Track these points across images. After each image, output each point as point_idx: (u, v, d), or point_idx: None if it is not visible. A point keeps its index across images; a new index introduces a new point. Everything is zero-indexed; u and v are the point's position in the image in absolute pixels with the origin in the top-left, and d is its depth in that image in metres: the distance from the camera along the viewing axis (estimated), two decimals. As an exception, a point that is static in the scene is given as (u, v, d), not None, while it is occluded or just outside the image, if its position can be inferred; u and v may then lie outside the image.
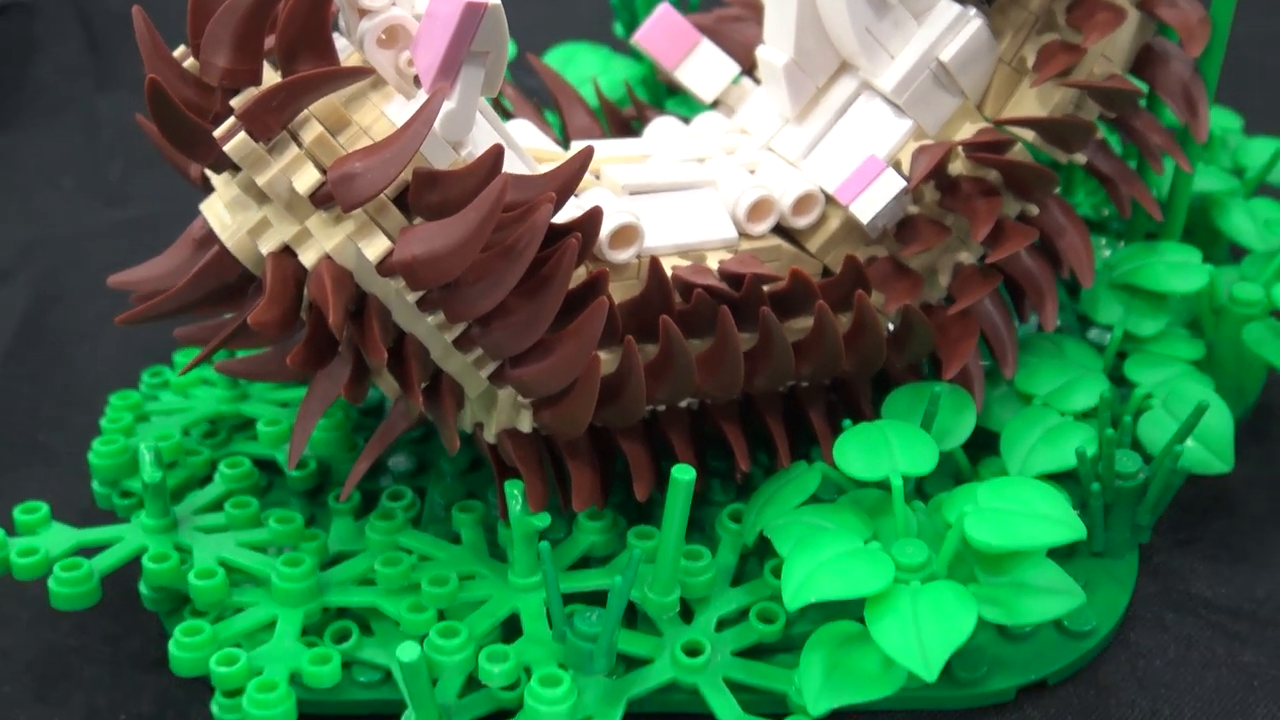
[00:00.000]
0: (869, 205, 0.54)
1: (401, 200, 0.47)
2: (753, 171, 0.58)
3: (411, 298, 0.48)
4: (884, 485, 0.54)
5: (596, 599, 0.52)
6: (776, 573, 0.54)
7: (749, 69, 0.63)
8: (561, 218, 0.49)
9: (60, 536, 0.54)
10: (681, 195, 0.55)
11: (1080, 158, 0.59)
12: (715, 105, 0.63)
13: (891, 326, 0.57)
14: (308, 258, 0.47)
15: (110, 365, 0.72)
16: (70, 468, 0.65)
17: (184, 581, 0.53)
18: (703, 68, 0.63)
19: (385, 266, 0.46)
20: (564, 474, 0.56)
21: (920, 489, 0.59)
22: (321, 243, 0.47)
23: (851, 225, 0.57)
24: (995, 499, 0.50)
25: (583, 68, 0.74)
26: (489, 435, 0.53)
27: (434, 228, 0.45)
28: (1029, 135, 0.57)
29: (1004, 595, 0.50)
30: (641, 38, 0.63)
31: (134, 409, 0.63)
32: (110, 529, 0.55)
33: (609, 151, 0.57)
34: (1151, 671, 0.55)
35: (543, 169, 0.49)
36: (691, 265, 0.53)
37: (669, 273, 0.52)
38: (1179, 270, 0.62)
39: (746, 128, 0.60)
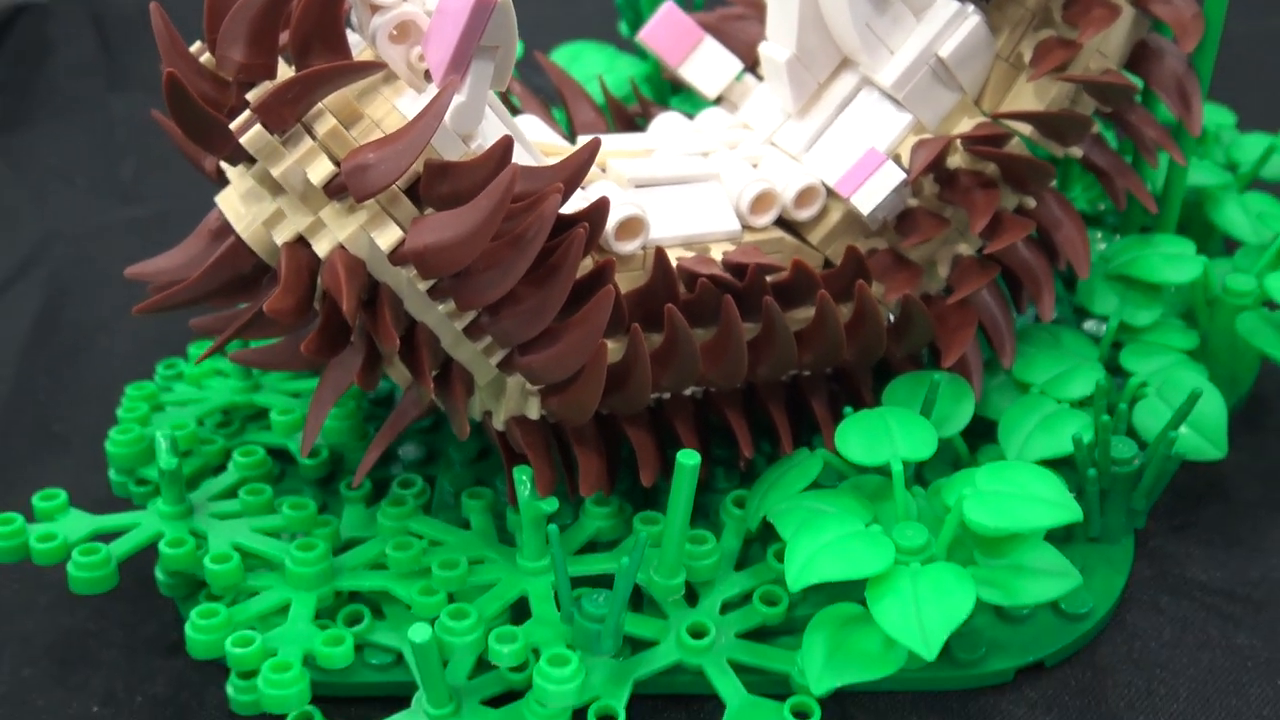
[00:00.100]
0: (869, 197, 0.55)
1: (413, 191, 0.48)
2: (755, 165, 0.58)
3: (423, 286, 0.48)
4: (884, 471, 0.55)
5: (603, 583, 0.53)
6: (779, 557, 0.55)
7: (751, 66, 0.63)
8: (568, 209, 0.50)
9: (78, 523, 0.55)
10: (686, 188, 0.56)
11: (1076, 152, 0.59)
12: (718, 101, 0.63)
13: (892, 317, 0.58)
14: (321, 247, 0.48)
15: (124, 358, 0.73)
16: (86, 458, 0.66)
17: (200, 566, 0.53)
18: (706, 65, 0.63)
19: (397, 255, 0.47)
20: (571, 461, 0.56)
21: (920, 475, 0.59)
22: (335, 233, 0.47)
23: (852, 218, 0.57)
24: (993, 483, 0.50)
25: (588, 65, 0.75)
26: (498, 423, 0.54)
27: (445, 217, 0.46)
28: (1026, 129, 0.58)
29: (1002, 577, 0.50)
30: (646, 35, 0.64)
31: (150, 399, 0.63)
32: (127, 515, 0.56)
33: (615, 146, 0.58)
34: (1147, 653, 0.55)
35: (550, 162, 0.49)
36: (696, 256, 0.54)
37: (674, 263, 0.52)
38: (1174, 261, 0.62)
39: (749, 123, 0.61)
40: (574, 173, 0.47)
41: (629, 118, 0.66)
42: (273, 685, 0.49)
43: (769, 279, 0.54)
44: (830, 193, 0.57)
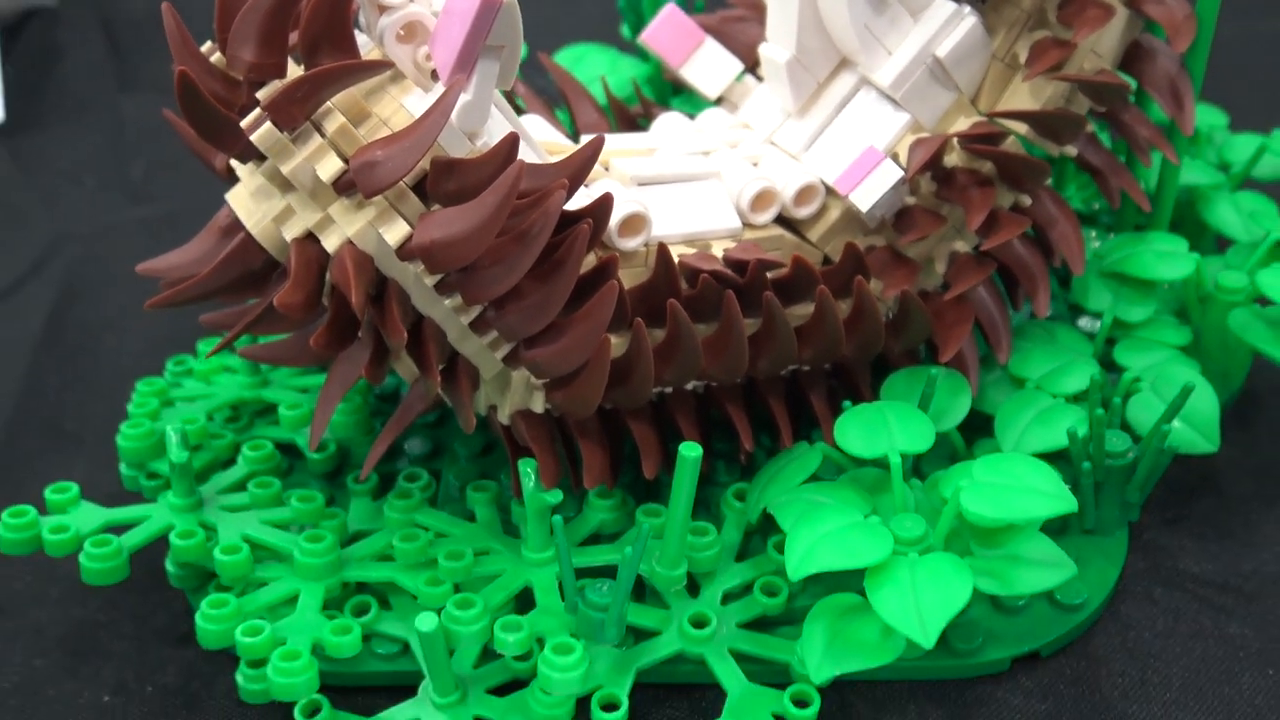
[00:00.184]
0: (868, 194, 0.55)
1: (420, 188, 0.48)
2: (755, 164, 0.59)
3: (430, 281, 0.48)
4: (882, 464, 0.55)
5: (606, 574, 0.53)
6: (779, 548, 0.55)
7: (751, 67, 0.64)
8: (572, 206, 0.50)
9: (90, 515, 0.55)
10: (687, 186, 0.56)
11: (1071, 150, 0.60)
12: (719, 102, 0.64)
13: (890, 314, 0.58)
14: (330, 243, 0.48)
15: (134, 356, 0.73)
16: (96, 454, 0.66)
17: (210, 557, 0.54)
18: (707, 65, 0.64)
19: (405, 251, 0.47)
20: (575, 455, 0.56)
21: (917, 470, 0.59)
22: (343, 228, 0.48)
23: (851, 215, 0.57)
24: (990, 474, 0.50)
25: (591, 67, 0.75)
26: (503, 417, 0.54)
27: (452, 213, 0.46)
28: (1022, 128, 0.58)
29: (998, 567, 0.50)
30: (648, 37, 0.64)
31: (160, 395, 0.63)
32: (138, 508, 0.56)
33: (617, 145, 0.58)
34: (1141, 643, 0.55)
35: (554, 160, 0.50)
36: (697, 253, 0.54)
37: (676, 260, 0.53)
38: (1167, 259, 0.63)
39: (749, 123, 0.61)
40: (578, 169, 0.48)
41: (631, 118, 0.66)
42: (281, 673, 0.49)
43: (769, 275, 0.54)
44: (829, 191, 0.57)
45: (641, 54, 0.77)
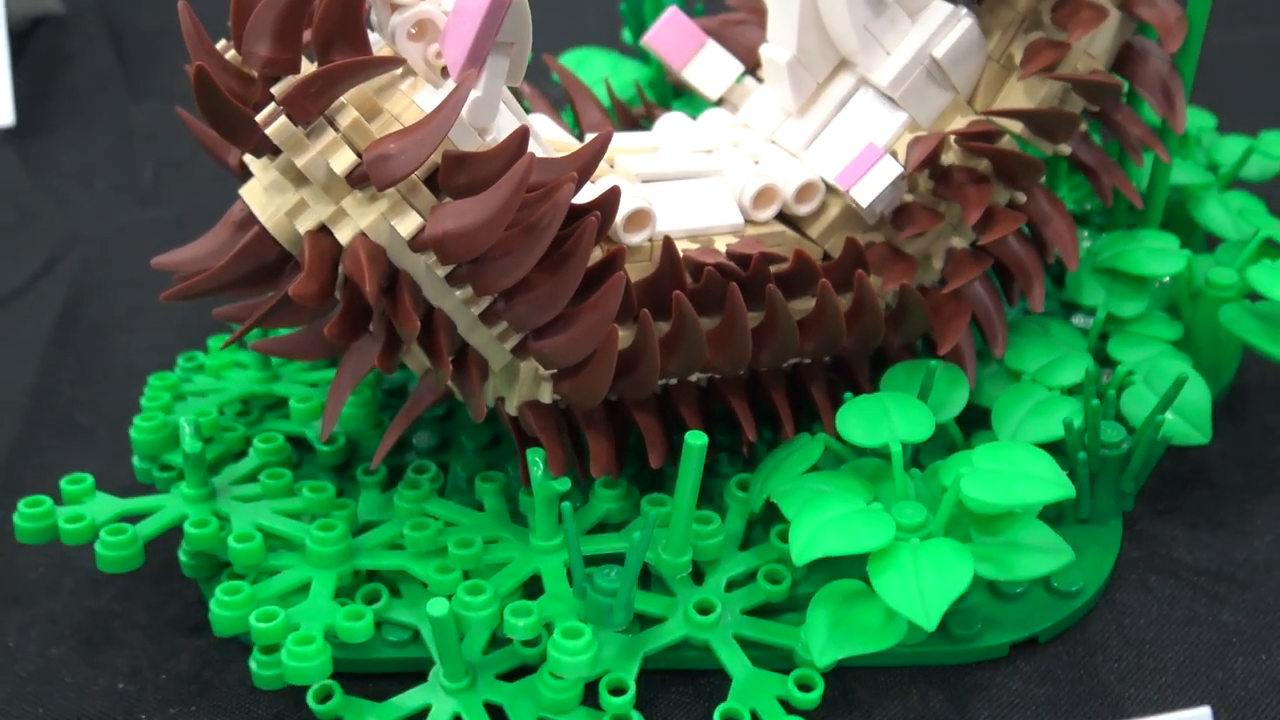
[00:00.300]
0: (868, 190, 0.55)
1: (431, 181, 0.48)
2: (757, 162, 0.59)
3: (441, 272, 0.49)
4: (883, 454, 0.55)
5: (612, 562, 0.53)
6: (782, 537, 0.55)
7: (751, 69, 0.64)
8: (578, 202, 0.50)
9: (105, 505, 0.55)
10: (690, 183, 0.57)
11: (1065, 149, 0.60)
12: (720, 103, 0.64)
13: (889, 308, 0.59)
14: (343, 235, 0.48)
15: (144, 353, 0.73)
16: (108, 448, 0.66)
17: (223, 546, 0.54)
18: (708, 67, 0.64)
19: (418, 242, 0.47)
20: (580, 446, 0.57)
21: (916, 461, 0.60)
22: (357, 221, 0.48)
23: (850, 212, 0.58)
24: (989, 461, 0.51)
25: (593, 70, 0.76)
26: (510, 408, 0.55)
27: (464, 204, 0.46)
28: (1017, 127, 0.58)
29: (998, 553, 0.51)
30: (651, 39, 0.65)
31: (172, 389, 0.64)
32: (152, 499, 0.56)
33: (622, 143, 0.58)
34: (1136, 629, 0.56)
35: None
36: (700, 248, 0.54)
37: (680, 254, 0.53)
38: (1159, 255, 0.63)
39: (750, 122, 0.62)
40: (587, 163, 0.48)
41: (634, 119, 0.66)
42: (295, 658, 0.49)
43: (772, 269, 0.54)
44: (829, 188, 0.58)
45: (643, 58, 0.78)
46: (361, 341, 0.54)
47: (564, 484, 0.53)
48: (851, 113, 0.59)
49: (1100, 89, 0.58)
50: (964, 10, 0.58)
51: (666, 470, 0.60)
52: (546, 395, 0.53)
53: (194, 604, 0.57)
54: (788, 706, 0.51)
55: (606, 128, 0.64)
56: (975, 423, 0.61)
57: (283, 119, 0.47)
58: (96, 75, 1.02)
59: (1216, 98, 0.79)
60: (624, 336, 0.52)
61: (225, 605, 0.51)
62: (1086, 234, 0.71)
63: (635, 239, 0.53)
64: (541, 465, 0.53)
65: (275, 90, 0.48)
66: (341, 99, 0.48)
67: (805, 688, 0.51)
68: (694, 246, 0.55)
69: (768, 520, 0.57)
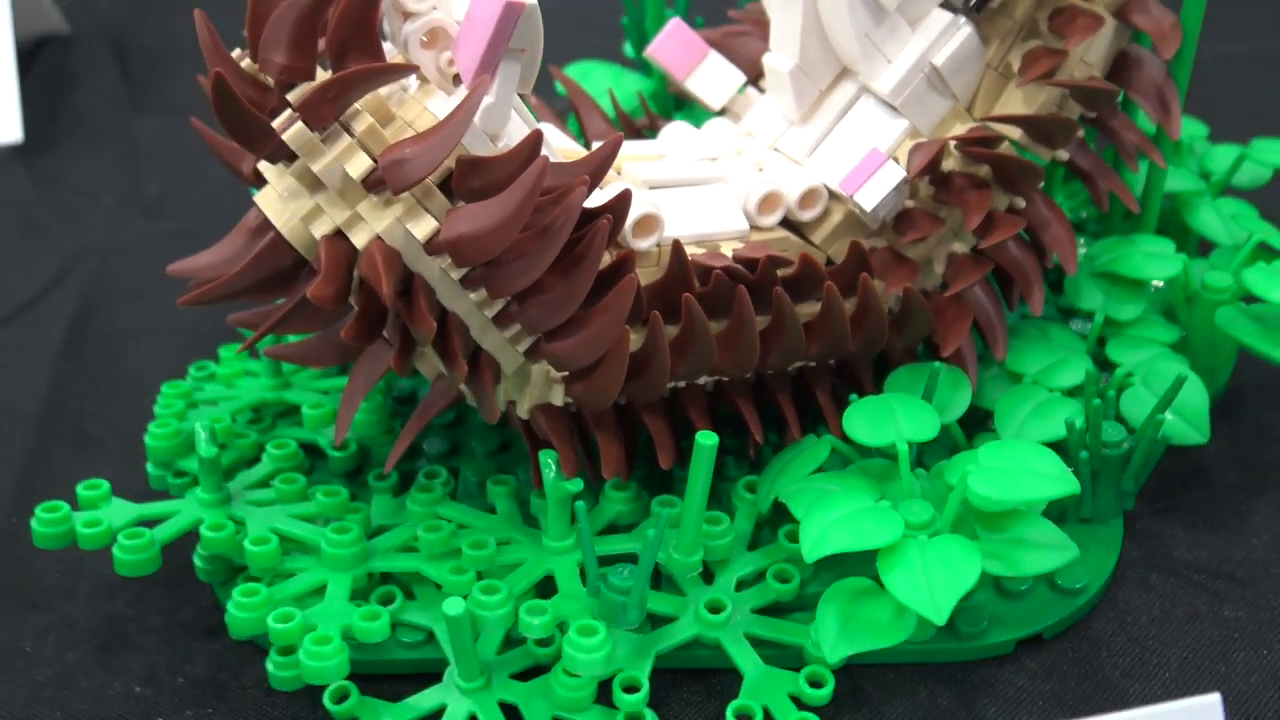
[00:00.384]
0: (872, 194, 0.56)
1: (445, 186, 0.48)
2: (761, 169, 0.59)
3: (456, 275, 0.49)
4: (888, 454, 0.55)
5: (622, 564, 0.53)
6: (790, 537, 0.55)
7: (753, 79, 0.64)
8: (589, 205, 0.50)
9: (121, 510, 0.55)
10: (696, 190, 0.57)
11: (1063, 155, 0.61)
12: (722, 112, 0.65)
13: (893, 311, 0.59)
14: (359, 239, 0.48)
15: (154, 363, 0.73)
16: (120, 456, 0.66)
17: (239, 550, 0.54)
18: (711, 77, 0.64)
19: (433, 245, 0.48)
20: (590, 450, 0.57)
21: (920, 463, 0.60)
22: (372, 225, 0.48)
23: (853, 218, 0.58)
24: (995, 459, 0.51)
25: (596, 83, 0.76)
26: (522, 411, 0.55)
27: (479, 207, 0.46)
28: (1016, 134, 0.59)
29: (1004, 550, 0.51)
30: (654, 50, 0.65)
31: (185, 396, 0.64)
32: (168, 504, 0.56)
33: (628, 151, 0.59)
34: (1139, 626, 0.56)
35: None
36: (707, 252, 0.55)
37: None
38: (1155, 259, 0.63)
39: (753, 131, 0.62)
40: (598, 167, 0.48)
41: (637, 130, 0.67)
42: (313, 657, 0.49)
43: (778, 273, 0.54)
44: (832, 194, 0.58)
45: (644, 71, 0.78)
46: (374, 348, 0.54)
47: (576, 484, 0.53)
48: (853, 120, 0.60)
49: (1097, 94, 0.58)
50: (963, 19, 0.58)
51: (673, 474, 0.60)
52: (558, 398, 0.54)
53: (208, 609, 0.57)
54: (799, 703, 0.51)
55: (613, 136, 0.64)
56: (975, 425, 0.61)
57: (299, 125, 0.47)
58: (101, 92, 1.02)
59: (1207, 111, 0.80)
60: (634, 339, 0.52)
61: (242, 607, 0.51)
62: (1083, 241, 0.72)
63: (643, 244, 0.53)
64: (554, 467, 0.53)
65: (291, 96, 0.48)
66: (356, 105, 0.48)
67: (816, 684, 0.51)
68: (700, 251, 0.55)
69: (774, 522, 0.57)
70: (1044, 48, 0.58)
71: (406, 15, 0.50)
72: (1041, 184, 0.60)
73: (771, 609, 0.54)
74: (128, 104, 1.00)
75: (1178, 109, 0.61)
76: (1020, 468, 0.50)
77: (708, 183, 0.58)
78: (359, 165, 0.47)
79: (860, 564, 0.53)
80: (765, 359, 0.55)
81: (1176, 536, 0.60)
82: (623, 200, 0.50)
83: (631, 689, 0.50)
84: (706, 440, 0.51)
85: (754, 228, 0.57)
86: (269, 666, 0.52)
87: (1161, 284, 0.66)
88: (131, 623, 0.57)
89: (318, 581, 0.53)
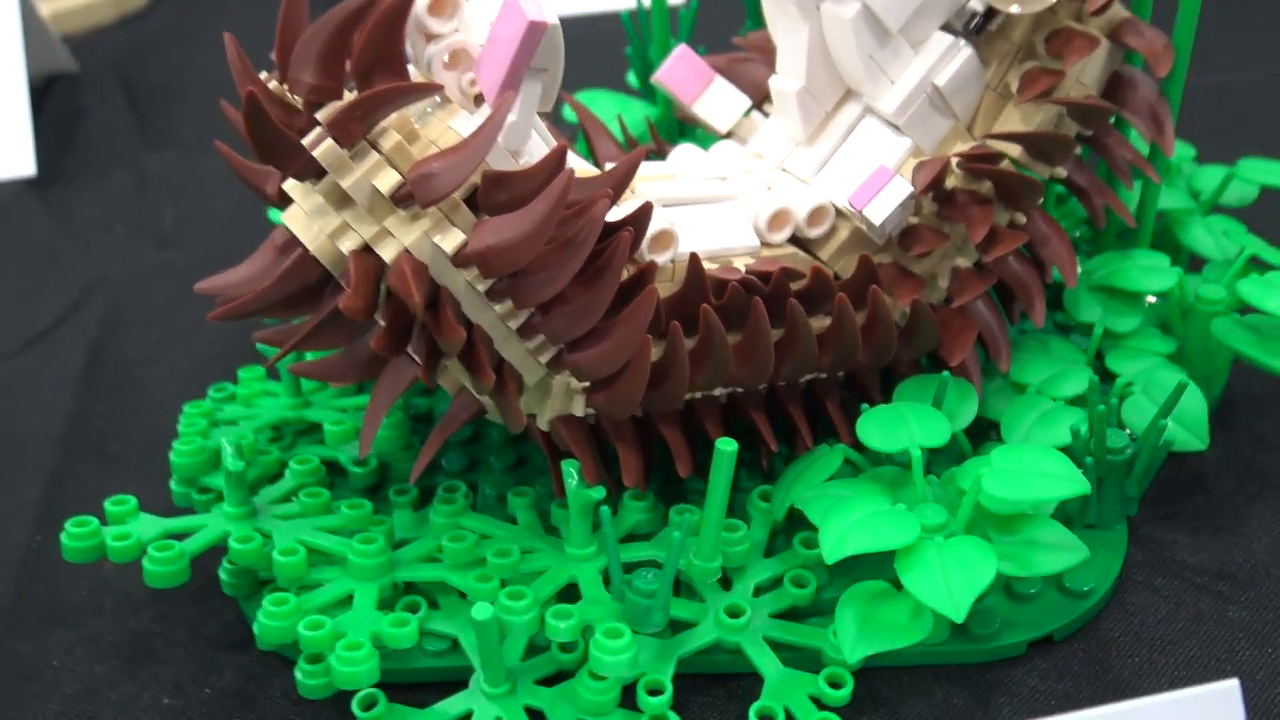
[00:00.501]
0: (880, 209, 0.56)
1: (470, 201, 0.49)
2: (769, 188, 0.60)
3: (482, 287, 0.49)
4: (901, 462, 0.56)
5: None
6: (806, 544, 0.56)
7: (758, 103, 0.65)
8: (610, 219, 0.51)
9: (149, 525, 0.55)
10: (708, 208, 0.58)
11: (1061, 172, 0.61)
12: (728, 136, 0.65)
13: (901, 324, 0.60)
14: (387, 253, 0.49)
15: (171, 386, 0.74)
16: (142, 475, 0.67)
17: (266, 562, 0.54)
18: (717, 102, 0.65)
19: (460, 257, 0.48)
20: (609, 461, 0.57)
21: (930, 470, 0.60)
22: (400, 239, 0.49)
23: (860, 235, 0.59)
24: (1007, 462, 0.52)
25: (603, 109, 0.77)
26: (542, 423, 0.55)
27: (505, 220, 0.47)
28: (1016, 151, 0.60)
29: (1017, 551, 0.51)
30: (662, 76, 0.66)
31: (208, 415, 0.64)
32: (195, 518, 0.56)
33: (641, 171, 0.59)
34: (1146, 627, 0.56)
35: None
36: (720, 267, 0.55)
37: (702, 273, 0.54)
38: (1151, 273, 0.64)
39: (761, 152, 0.63)
40: (621, 180, 0.49)
41: (645, 155, 0.67)
42: (345, 663, 0.49)
43: (791, 285, 0.55)
44: (839, 212, 0.59)
45: (649, 99, 0.79)
46: (395, 364, 0.55)
47: (599, 492, 0.53)
48: (858, 139, 0.60)
49: (1094, 112, 0.59)
50: (963, 41, 0.59)
51: (689, 485, 0.60)
52: (579, 409, 0.54)
53: (234, 621, 0.57)
54: (819, 704, 0.51)
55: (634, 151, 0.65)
56: (979, 436, 0.62)
57: (329, 142, 0.48)
58: (111, 127, 1.03)
59: (1193, 133, 0.81)
60: (653, 351, 0.53)
61: (272, 616, 0.51)
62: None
63: (659, 259, 0.54)
64: (576, 475, 0.53)
65: (320, 115, 0.48)
66: (383, 124, 0.49)
67: (836, 685, 0.51)
68: (714, 266, 0.56)
69: (789, 530, 0.58)
70: (1041, 68, 0.59)
71: (429, 38, 0.51)
72: (1041, 199, 0.61)
73: (789, 614, 0.54)
74: (136, 138, 1.01)
75: (1170, 127, 0.62)
76: (1032, 469, 0.51)
77: (719, 201, 0.58)
78: (387, 181, 0.48)
79: (874, 568, 0.53)
80: (779, 370, 0.56)
81: (1179, 541, 0.61)
82: (644, 213, 0.50)
83: (655, 692, 0.51)
84: (726, 447, 0.51)
85: (764, 244, 0.58)
86: (298, 675, 0.52)
87: (1154, 299, 0.67)
88: (157, 637, 0.57)
89: (345, 591, 0.53)
